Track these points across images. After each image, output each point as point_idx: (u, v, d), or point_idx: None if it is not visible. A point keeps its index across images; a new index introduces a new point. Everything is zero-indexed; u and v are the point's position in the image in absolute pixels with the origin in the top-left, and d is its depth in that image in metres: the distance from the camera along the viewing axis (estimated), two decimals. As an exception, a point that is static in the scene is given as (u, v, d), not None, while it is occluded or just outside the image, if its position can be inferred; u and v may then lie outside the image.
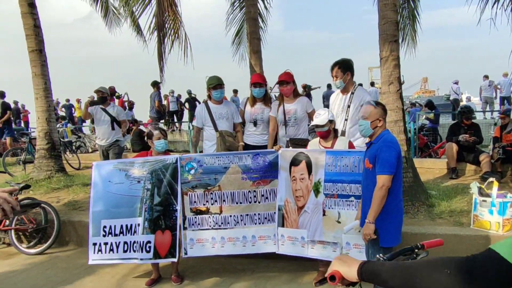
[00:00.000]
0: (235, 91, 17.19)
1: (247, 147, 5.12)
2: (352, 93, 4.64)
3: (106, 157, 6.87)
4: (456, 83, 16.90)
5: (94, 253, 4.60)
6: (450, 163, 6.99)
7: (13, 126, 15.76)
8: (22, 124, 16.94)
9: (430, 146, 10.32)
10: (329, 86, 15.95)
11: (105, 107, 6.91)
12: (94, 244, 4.59)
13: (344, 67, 4.60)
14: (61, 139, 10.23)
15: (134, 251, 4.53)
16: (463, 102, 16.37)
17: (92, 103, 7.00)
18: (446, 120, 13.99)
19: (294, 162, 4.40)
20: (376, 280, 1.19)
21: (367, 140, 3.62)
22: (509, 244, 0.98)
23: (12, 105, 16.56)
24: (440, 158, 9.00)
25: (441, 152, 9.34)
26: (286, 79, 4.89)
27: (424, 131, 11.14)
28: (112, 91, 12.28)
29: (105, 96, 7.00)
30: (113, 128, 6.94)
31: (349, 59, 4.72)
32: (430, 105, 12.47)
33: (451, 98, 16.81)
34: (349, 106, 4.62)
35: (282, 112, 4.93)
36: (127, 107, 15.60)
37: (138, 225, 4.52)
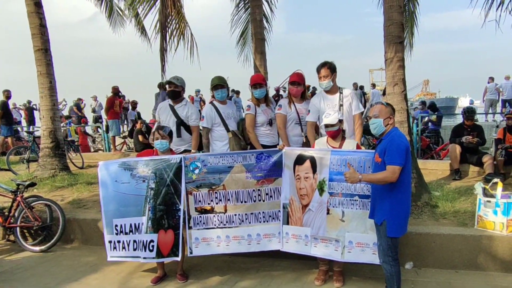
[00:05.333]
0: (237, 92, 17.19)
1: (264, 147, 4.96)
2: (341, 93, 4.71)
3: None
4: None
5: (110, 250, 4.64)
6: (453, 164, 7.00)
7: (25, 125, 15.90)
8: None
9: (432, 147, 10.35)
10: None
11: (175, 105, 5.36)
12: (110, 242, 4.64)
13: (332, 67, 4.66)
14: (65, 138, 10.27)
15: (140, 249, 4.55)
16: (465, 105, 16.30)
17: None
18: (447, 122, 14.02)
19: (299, 161, 4.40)
20: None
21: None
22: None
23: (26, 105, 16.71)
24: (442, 159, 9.01)
25: (443, 153, 9.38)
26: (298, 81, 4.87)
27: (426, 132, 11.18)
28: (116, 90, 12.28)
29: (179, 91, 5.34)
30: (179, 135, 5.32)
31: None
32: (432, 107, 12.50)
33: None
34: (341, 105, 4.67)
35: (295, 111, 4.91)
36: (130, 107, 15.61)
37: (142, 224, 4.53)
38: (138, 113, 15.20)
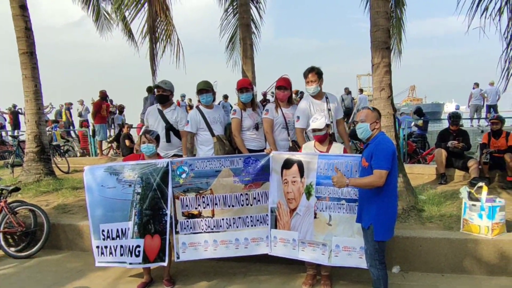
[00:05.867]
0: (226, 97, 17.17)
1: (251, 152, 4.88)
2: (327, 98, 4.78)
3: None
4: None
5: (98, 255, 4.59)
6: (439, 169, 7.08)
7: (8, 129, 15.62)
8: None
9: (418, 152, 10.44)
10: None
11: (164, 109, 5.32)
12: (97, 247, 4.58)
13: (319, 73, 4.69)
14: (50, 143, 10.13)
15: (126, 255, 4.51)
16: (451, 110, 16.45)
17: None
18: (433, 127, 14.17)
19: (286, 165, 4.41)
20: None
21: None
22: None
23: (11, 109, 16.43)
24: (428, 164, 9.11)
25: (430, 158, 9.47)
26: (285, 85, 4.88)
27: (413, 137, 11.29)
28: (103, 94, 12.17)
29: (167, 95, 5.29)
30: (168, 140, 5.27)
31: None
32: (419, 112, 12.62)
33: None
34: (329, 110, 4.72)
35: (282, 115, 4.89)
36: (117, 111, 15.47)
37: (128, 229, 4.49)
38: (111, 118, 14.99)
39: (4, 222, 5.69)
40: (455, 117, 7.41)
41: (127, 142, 10.57)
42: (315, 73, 4.66)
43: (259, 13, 9.51)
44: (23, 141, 9.64)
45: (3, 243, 5.67)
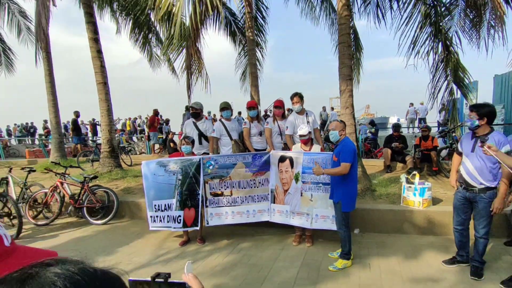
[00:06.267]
0: (239, 113, 17.20)
1: (256, 151, 4.94)
2: (307, 114, 4.79)
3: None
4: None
5: (152, 222, 4.61)
6: (386, 162, 7.07)
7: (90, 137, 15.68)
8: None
9: (372, 151, 10.42)
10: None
11: (197, 122, 5.33)
12: (151, 216, 4.61)
13: (301, 96, 4.72)
14: (118, 145, 10.19)
15: (171, 222, 4.54)
16: (394, 122, 16.32)
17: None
18: (382, 133, 14.12)
19: (281, 160, 4.44)
20: None
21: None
22: None
23: (91, 122, 16.51)
24: (378, 159, 9.09)
25: (379, 155, 9.44)
26: (280, 105, 4.93)
27: (368, 140, 11.27)
28: (156, 112, 12.22)
29: (198, 112, 5.30)
30: (200, 143, 5.28)
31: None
32: (372, 123, 12.60)
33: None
34: (308, 122, 4.74)
35: (278, 126, 4.94)
36: (165, 123, 15.53)
37: (173, 204, 4.53)
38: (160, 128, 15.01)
39: (87, 199, 5.74)
40: (396, 127, 7.42)
41: (171, 144, 10.62)
42: (298, 96, 4.68)
43: (262, 55, 9.53)
44: (100, 144, 9.71)
45: (86, 214, 5.72)
